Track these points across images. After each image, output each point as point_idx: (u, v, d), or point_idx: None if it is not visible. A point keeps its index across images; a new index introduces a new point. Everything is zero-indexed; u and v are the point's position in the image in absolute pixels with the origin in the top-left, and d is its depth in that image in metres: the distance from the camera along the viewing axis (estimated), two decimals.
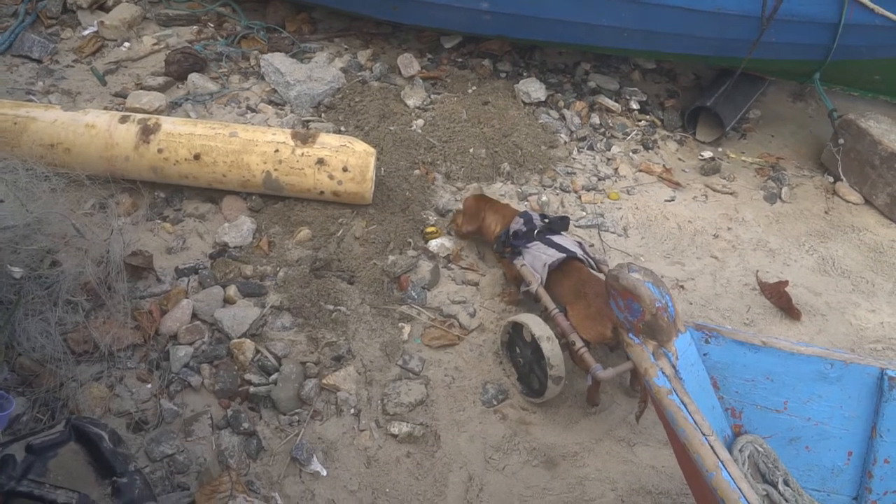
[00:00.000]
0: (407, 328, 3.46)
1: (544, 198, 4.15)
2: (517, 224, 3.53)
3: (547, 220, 3.56)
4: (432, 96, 4.61)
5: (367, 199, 3.82)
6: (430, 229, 3.86)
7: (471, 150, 4.29)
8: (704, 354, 2.37)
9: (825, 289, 4.02)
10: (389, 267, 3.62)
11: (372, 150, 3.78)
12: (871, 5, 4.09)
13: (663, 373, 2.17)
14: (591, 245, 3.77)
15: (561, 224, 3.59)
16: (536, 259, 3.38)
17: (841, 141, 4.54)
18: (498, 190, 4.17)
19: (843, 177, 4.59)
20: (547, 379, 3.13)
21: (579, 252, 3.39)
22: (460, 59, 4.97)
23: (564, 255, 3.34)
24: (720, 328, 2.39)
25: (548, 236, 3.45)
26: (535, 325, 3.21)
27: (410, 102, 4.52)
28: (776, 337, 2.41)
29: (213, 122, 3.87)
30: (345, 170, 3.71)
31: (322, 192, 3.77)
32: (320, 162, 3.70)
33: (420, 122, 4.40)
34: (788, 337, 3.73)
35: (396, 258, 3.67)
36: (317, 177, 3.72)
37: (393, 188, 3.99)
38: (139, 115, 3.83)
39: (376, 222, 3.82)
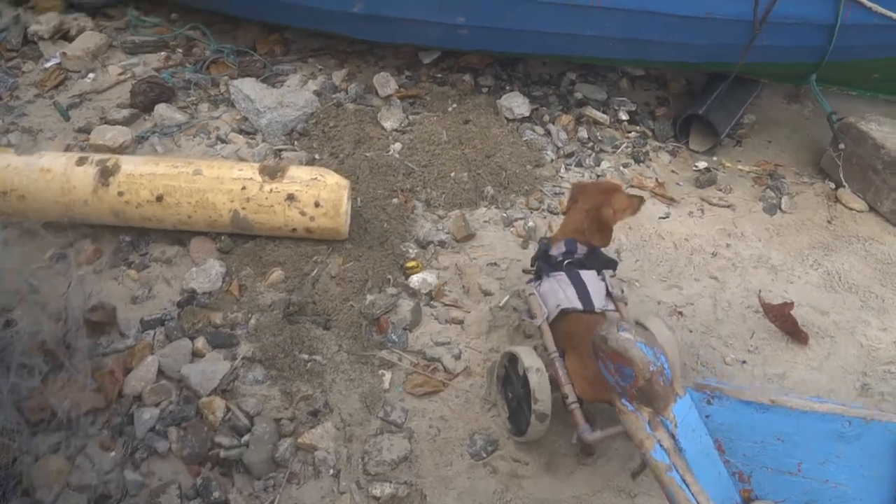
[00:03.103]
0: (388, 376, 3.24)
1: (531, 223, 3.92)
2: (559, 248, 3.19)
3: (586, 254, 3.17)
4: (410, 117, 4.39)
5: (342, 234, 3.60)
6: (410, 263, 3.64)
7: (452, 175, 4.06)
8: (707, 416, 2.15)
9: (832, 307, 3.79)
10: (367, 308, 3.40)
11: (345, 182, 3.56)
12: (870, 4, 3.86)
13: (661, 445, 1.96)
14: (622, 290, 3.22)
15: (599, 262, 3.19)
16: (553, 293, 3.04)
17: (841, 146, 4.31)
18: (481, 216, 3.94)
19: (845, 183, 4.36)
20: (531, 415, 2.89)
21: (598, 303, 3.01)
22: (440, 75, 4.75)
23: (580, 306, 2.98)
24: (723, 387, 2.17)
25: (577, 270, 3.10)
26: (527, 356, 2.97)
27: (387, 125, 4.29)
28: (786, 392, 2.20)
29: (175, 160, 3.64)
30: (317, 205, 3.49)
31: (294, 230, 3.55)
32: (290, 198, 3.48)
33: (398, 145, 4.17)
34: (796, 363, 3.51)
35: (375, 297, 3.45)
36: (287, 213, 3.50)
37: (370, 220, 3.76)
38: (97, 156, 3.60)
39: (353, 258, 3.60)
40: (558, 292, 3.03)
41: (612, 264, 3.22)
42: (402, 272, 3.62)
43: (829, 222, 4.26)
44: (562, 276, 3.08)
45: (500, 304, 3.54)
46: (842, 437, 2.22)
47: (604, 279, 3.11)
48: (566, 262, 3.14)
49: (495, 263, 3.73)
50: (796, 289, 3.86)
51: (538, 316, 3.06)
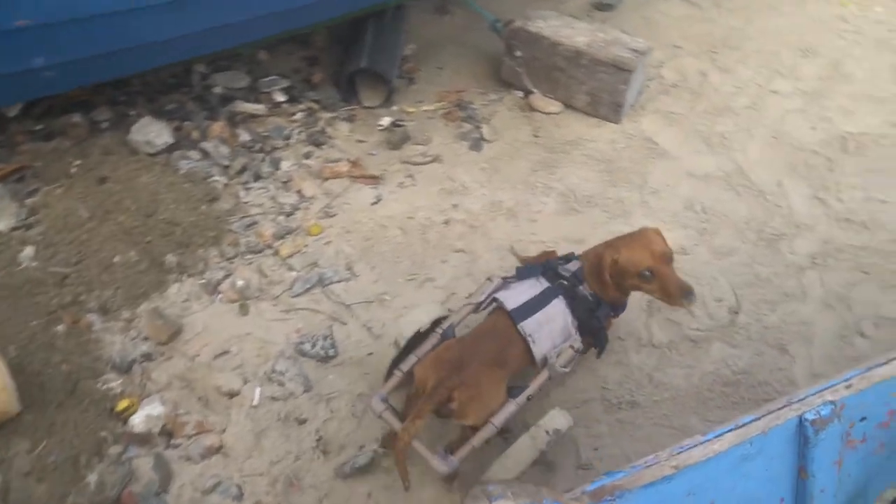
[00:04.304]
0: None
1: (239, 281, 3.16)
2: (573, 265, 2.68)
3: (591, 295, 2.63)
4: (27, 201, 3.33)
5: (12, 412, 2.64)
6: (122, 404, 2.77)
7: (116, 259, 3.15)
8: None
9: (582, 230, 3.51)
10: (96, 494, 2.54)
11: None
12: None
13: None
14: (568, 361, 2.60)
15: (585, 311, 2.63)
16: (511, 289, 2.63)
17: (518, 53, 3.95)
18: (177, 296, 3.11)
19: (533, 89, 4.03)
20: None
21: (531, 330, 2.52)
22: (40, 127, 3.65)
23: (508, 308, 2.54)
24: (620, 480, 1.73)
25: (559, 295, 2.58)
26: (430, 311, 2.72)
27: (1, 226, 3.22)
28: (682, 446, 1.80)
29: None
30: None
31: None
32: None
33: (29, 250, 3.14)
34: None
35: (100, 474, 2.58)
36: None
37: (39, 371, 2.80)
38: None
39: (43, 433, 2.65)
40: (514, 291, 2.61)
41: (594, 329, 2.65)
42: (117, 419, 2.75)
43: (535, 136, 3.93)
44: (540, 284, 2.63)
45: (255, 403, 2.83)
46: (746, 458, 1.92)
47: (570, 334, 2.60)
48: (560, 280, 2.64)
49: (225, 351, 2.97)
50: (542, 226, 3.52)
51: (474, 297, 2.71)
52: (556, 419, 2.53)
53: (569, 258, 2.74)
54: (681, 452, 1.82)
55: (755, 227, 3.58)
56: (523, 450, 2.46)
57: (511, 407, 2.49)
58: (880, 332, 3.24)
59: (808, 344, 3.18)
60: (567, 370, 2.59)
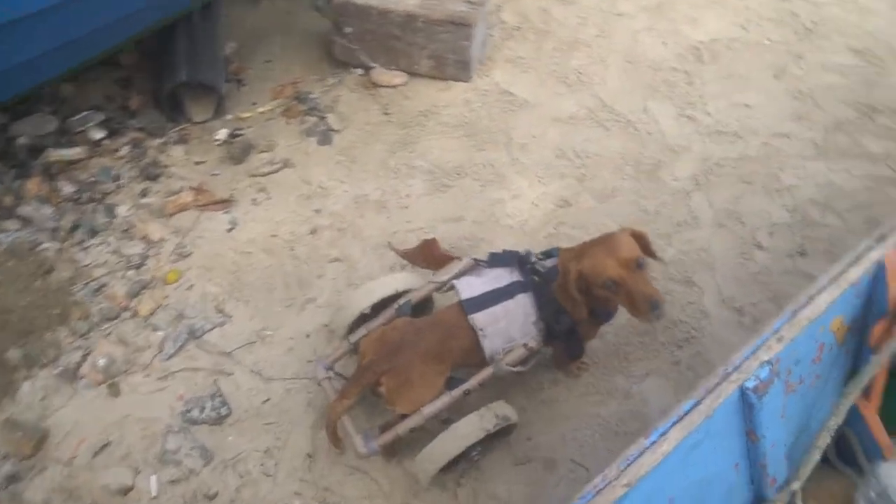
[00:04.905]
0: None
1: (101, 359, 2.79)
2: (551, 263, 2.39)
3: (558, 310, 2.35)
4: None
5: None
6: None
7: None
8: None
9: (458, 207, 3.28)
10: None
11: None
12: None
13: None
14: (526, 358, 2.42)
15: (550, 312, 2.35)
16: (476, 276, 2.44)
17: (348, 29, 3.63)
18: (31, 395, 2.73)
19: (373, 64, 3.73)
20: None
21: (482, 324, 2.33)
22: None
23: (460, 297, 2.38)
24: None
25: (525, 290, 2.36)
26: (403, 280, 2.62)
27: None
28: (628, 458, 1.62)
29: None
30: None
31: None
32: None
33: None
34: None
35: None
36: None
37: None
38: None
39: None
40: (479, 279, 2.42)
41: (561, 333, 2.39)
42: None
43: (386, 114, 3.65)
44: (510, 275, 2.40)
45: (154, 494, 2.53)
46: (695, 446, 1.77)
47: (530, 333, 2.38)
48: (533, 275, 2.40)
49: (105, 444, 2.62)
50: (415, 211, 3.28)
51: (438, 273, 2.56)
52: (504, 408, 2.41)
53: (550, 253, 2.45)
54: (629, 466, 1.64)
55: (632, 160, 3.43)
56: (468, 425, 2.34)
57: (445, 399, 2.36)
58: (776, 241, 3.17)
59: (710, 270, 3.08)
60: (518, 370, 2.39)
